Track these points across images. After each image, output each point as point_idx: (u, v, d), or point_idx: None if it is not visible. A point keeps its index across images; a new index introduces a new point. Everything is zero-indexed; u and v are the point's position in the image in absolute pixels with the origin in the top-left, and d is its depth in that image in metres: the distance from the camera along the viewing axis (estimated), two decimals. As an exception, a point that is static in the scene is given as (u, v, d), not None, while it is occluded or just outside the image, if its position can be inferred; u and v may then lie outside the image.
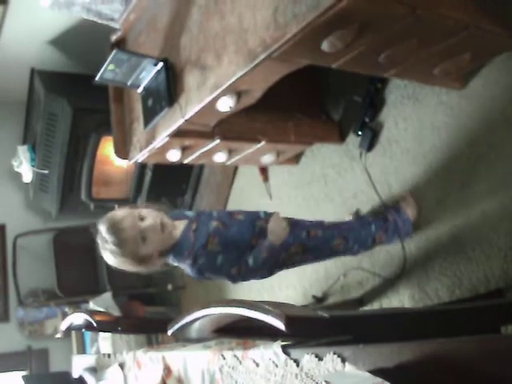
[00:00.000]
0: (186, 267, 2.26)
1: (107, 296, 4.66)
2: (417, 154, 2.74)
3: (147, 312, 4.92)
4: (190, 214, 2.38)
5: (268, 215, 2.36)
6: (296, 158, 3.45)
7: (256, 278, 2.36)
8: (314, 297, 3.32)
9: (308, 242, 2.40)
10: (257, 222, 2.32)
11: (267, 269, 2.33)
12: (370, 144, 2.94)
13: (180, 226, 2.27)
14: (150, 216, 2.18)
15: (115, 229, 2.15)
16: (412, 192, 2.76)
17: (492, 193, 2.41)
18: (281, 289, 3.70)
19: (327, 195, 3.30)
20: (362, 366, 1.14)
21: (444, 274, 2.61)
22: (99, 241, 2.21)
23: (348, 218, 3.03)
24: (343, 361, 1.18)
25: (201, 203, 4.63)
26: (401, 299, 2.81)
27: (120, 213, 2.23)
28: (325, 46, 1.88)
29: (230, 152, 3.01)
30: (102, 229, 2.20)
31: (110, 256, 2.19)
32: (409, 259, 2.77)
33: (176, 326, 1.48)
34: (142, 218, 2.17)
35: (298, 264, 2.47)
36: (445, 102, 2.60)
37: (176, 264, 2.28)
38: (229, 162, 3.17)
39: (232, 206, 4.23)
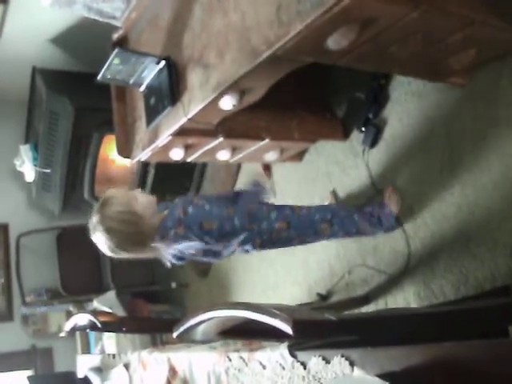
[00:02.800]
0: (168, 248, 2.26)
1: (111, 294, 4.66)
2: (420, 151, 2.72)
3: (151, 310, 4.91)
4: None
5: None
6: (300, 156, 3.43)
7: (243, 248, 2.40)
8: (318, 294, 3.31)
9: (292, 219, 2.45)
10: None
11: (253, 238, 2.37)
12: (374, 140, 2.92)
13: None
14: (143, 195, 2.28)
15: (108, 203, 2.19)
16: (394, 187, 2.80)
17: (497, 189, 2.39)
18: (285, 287, 3.69)
19: (331, 192, 3.29)
20: (369, 369, 1.13)
21: (449, 270, 2.60)
22: (91, 226, 2.22)
23: (327, 201, 3.16)
24: (351, 364, 1.17)
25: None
26: (406, 296, 2.79)
27: (111, 191, 2.29)
28: (329, 43, 1.87)
29: (234, 150, 3.00)
30: (94, 210, 2.21)
31: (102, 237, 2.19)
32: (414, 256, 2.75)
33: (181, 329, 1.47)
34: (134, 197, 2.24)
35: (284, 242, 2.50)
36: (449, 98, 2.58)
37: (162, 246, 2.26)
38: (232, 160, 3.15)
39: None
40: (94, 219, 2.17)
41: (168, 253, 2.23)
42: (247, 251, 2.43)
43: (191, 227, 2.24)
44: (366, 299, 2.99)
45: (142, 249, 2.21)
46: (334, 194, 3.21)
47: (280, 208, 2.48)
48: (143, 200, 2.24)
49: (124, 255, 2.22)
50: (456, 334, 1.23)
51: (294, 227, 2.45)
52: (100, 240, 2.20)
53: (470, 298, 2.45)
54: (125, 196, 2.23)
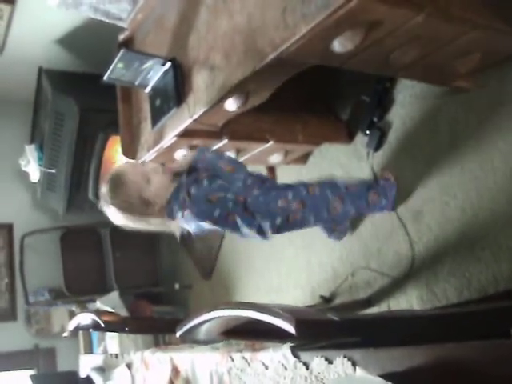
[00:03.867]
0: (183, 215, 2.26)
1: (114, 295, 4.66)
2: (425, 154, 2.72)
3: (154, 311, 4.92)
4: None
5: None
6: (304, 158, 3.43)
7: (257, 231, 2.36)
8: (321, 297, 3.31)
9: (307, 199, 2.43)
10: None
11: (270, 219, 2.33)
12: (378, 143, 2.93)
13: None
14: (157, 176, 2.29)
15: (119, 173, 2.26)
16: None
17: (501, 192, 2.39)
18: (288, 289, 3.69)
19: (335, 195, 3.29)
20: (372, 369, 1.13)
21: (452, 274, 2.60)
22: (101, 196, 2.27)
23: None
24: (354, 364, 1.18)
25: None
26: (409, 300, 2.79)
27: (124, 166, 2.39)
28: (334, 46, 1.88)
29: (238, 152, 3.00)
30: (105, 183, 2.26)
31: (113, 208, 2.23)
32: (417, 259, 2.75)
33: (184, 328, 1.47)
34: (147, 178, 2.27)
35: (301, 223, 2.47)
36: (454, 102, 2.59)
37: (174, 216, 2.29)
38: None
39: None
40: (105, 193, 2.23)
41: (179, 228, 2.31)
42: (264, 234, 2.37)
43: (198, 205, 2.24)
44: (368, 302, 2.99)
45: (154, 226, 2.31)
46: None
47: (295, 188, 2.46)
48: (156, 182, 2.26)
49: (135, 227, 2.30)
50: (458, 336, 1.23)
51: (309, 207, 2.45)
52: (110, 212, 2.26)
53: (472, 301, 2.45)
54: (137, 176, 2.25)
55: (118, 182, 2.22)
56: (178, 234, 2.36)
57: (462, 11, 1.89)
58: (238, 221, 2.27)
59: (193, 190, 2.24)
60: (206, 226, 2.26)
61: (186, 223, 2.27)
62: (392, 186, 2.76)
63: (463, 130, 2.55)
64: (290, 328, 1.09)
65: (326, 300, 3.28)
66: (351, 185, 2.60)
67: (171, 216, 2.27)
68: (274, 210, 2.34)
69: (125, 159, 2.97)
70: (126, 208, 2.22)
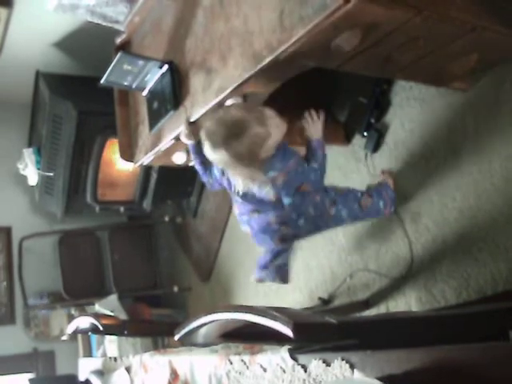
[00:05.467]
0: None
1: (113, 298, 4.66)
2: (422, 155, 2.73)
3: (153, 314, 4.91)
4: None
5: None
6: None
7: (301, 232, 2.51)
8: (320, 299, 3.31)
9: (338, 197, 2.53)
10: None
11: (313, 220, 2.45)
12: (376, 145, 2.93)
13: None
14: (272, 114, 2.18)
15: (243, 121, 2.09)
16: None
17: (499, 193, 2.39)
18: (287, 291, 3.69)
19: (333, 197, 3.29)
20: (370, 372, 1.13)
21: (451, 275, 2.60)
22: (214, 139, 2.11)
23: None
24: (351, 367, 1.18)
25: (206, 205, 4.63)
26: (407, 301, 2.79)
27: (242, 108, 2.20)
28: (331, 48, 1.87)
29: (236, 154, 2.99)
30: (226, 122, 2.11)
31: (225, 154, 2.11)
32: (415, 261, 2.76)
33: (183, 332, 1.47)
34: (267, 116, 2.15)
35: (335, 220, 2.55)
36: (451, 103, 2.59)
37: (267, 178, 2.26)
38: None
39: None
40: (217, 134, 2.10)
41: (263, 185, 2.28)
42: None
43: (290, 184, 2.29)
44: (367, 304, 2.99)
45: (244, 176, 2.27)
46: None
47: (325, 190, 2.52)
48: (274, 141, 2.16)
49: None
50: (456, 337, 1.23)
51: (341, 203, 2.53)
52: (212, 153, 2.15)
53: (471, 302, 2.45)
54: (261, 131, 2.11)
55: (241, 129, 2.08)
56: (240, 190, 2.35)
57: (460, 13, 1.89)
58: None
59: (300, 169, 2.31)
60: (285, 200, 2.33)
61: (272, 188, 2.29)
62: (389, 189, 2.77)
63: (461, 131, 2.55)
64: (287, 331, 1.09)
65: (325, 302, 3.28)
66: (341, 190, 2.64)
67: (264, 170, 2.23)
68: None
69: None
70: (233, 158, 2.10)
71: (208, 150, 2.14)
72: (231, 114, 2.11)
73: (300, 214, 2.42)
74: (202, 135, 2.14)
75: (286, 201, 2.33)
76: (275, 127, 2.14)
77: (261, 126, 2.09)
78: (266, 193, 2.31)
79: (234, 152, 2.07)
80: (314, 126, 2.49)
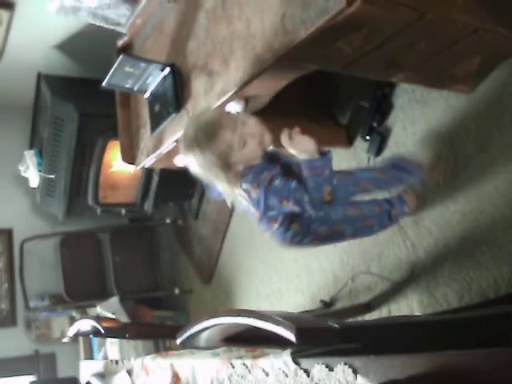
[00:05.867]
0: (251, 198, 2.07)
1: (114, 300, 4.66)
2: (425, 158, 2.72)
3: (154, 316, 4.91)
4: None
5: None
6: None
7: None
8: (321, 301, 3.30)
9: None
10: None
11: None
12: (379, 149, 2.92)
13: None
14: (253, 123, 2.02)
15: (215, 125, 1.96)
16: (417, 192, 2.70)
17: (502, 196, 2.39)
18: (289, 294, 3.69)
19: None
20: (373, 377, 1.13)
21: (453, 278, 2.59)
22: (186, 140, 2.02)
23: None
24: (354, 372, 1.17)
25: (208, 207, 4.63)
26: (409, 304, 2.79)
27: (218, 112, 2.13)
28: (333, 51, 1.87)
29: (238, 157, 2.99)
30: (198, 123, 2.01)
31: (196, 157, 2.00)
32: (417, 264, 2.75)
33: (185, 336, 1.47)
34: (243, 123, 2.00)
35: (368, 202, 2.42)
36: (454, 106, 2.58)
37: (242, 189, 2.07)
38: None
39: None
40: (191, 136, 1.99)
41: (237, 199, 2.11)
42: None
43: (268, 198, 2.03)
44: (369, 307, 2.99)
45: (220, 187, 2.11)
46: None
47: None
48: (250, 151, 2.00)
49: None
50: (460, 342, 1.23)
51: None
52: (186, 157, 2.05)
53: (473, 306, 2.45)
54: (235, 136, 1.96)
55: (212, 133, 1.96)
56: (230, 204, 2.18)
57: (462, 15, 1.89)
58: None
59: (277, 183, 2.01)
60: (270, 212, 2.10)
61: (247, 199, 2.07)
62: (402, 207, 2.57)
63: (463, 134, 2.55)
64: (290, 336, 1.09)
65: (327, 305, 3.28)
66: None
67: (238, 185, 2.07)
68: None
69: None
70: (206, 163, 1.99)
71: (183, 151, 2.04)
72: (206, 116, 2.03)
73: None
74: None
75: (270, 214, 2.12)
76: (251, 137, 1.99)
77: (231, 133, 1.95)
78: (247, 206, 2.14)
79: (206, 155, 1.96)
80: (295, 144, 2.03)
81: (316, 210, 2.02)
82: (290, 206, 2.01)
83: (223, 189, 2.11)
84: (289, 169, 2.10)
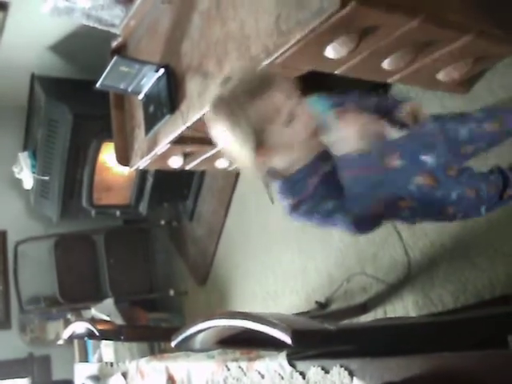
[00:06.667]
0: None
1: (109, 302, 4.64)
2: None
3: (149, 318, 4.90)
4: None
5: None
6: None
7: None
8: (317, 302, 3.30)
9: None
10: None
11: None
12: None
13: None
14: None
15: (266, 81, 1.47)
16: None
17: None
18: (284, 295, 3.68)
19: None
20: (369, 379, 1.13)
21: (448, 279, 2.59)
22: (218, 95, 1.51)
23: None
24: (350, 374, 1.17)
25: (203, 209, 4.61)
26: (405, 305, 2.79)
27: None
28: (328, 52, 1.87)
29: (233, 159, 2.99)
30: (243, 75, 1.51)
31: (224, 121, 1.50)
32: (413, 265, 2.75)
33: (179, 338, 1.46)
34: (299, 102, 1.51)
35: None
36: (448, 106, 2.58)
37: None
38: (231, 168, 3.15)
39: (234, 210, 4.21)
40: (224, 96, 1.48)
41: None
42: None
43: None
44: (364, 308, 2.98)
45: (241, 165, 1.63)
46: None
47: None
48: (297, 132, 1.49)
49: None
50: (455, 343, 1.23)
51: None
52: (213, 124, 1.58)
53: (468, 307, 2.44)
54: (285, 103, 1.45)
55: (259, 89, 1.44)
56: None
57: (457, 16, 1.89)
58: None
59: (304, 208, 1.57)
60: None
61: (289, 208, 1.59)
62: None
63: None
64: (286, 338, 1.08)
65: (322, 306, 3.27)
66: None
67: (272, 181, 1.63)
68: None
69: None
70: (234, 129, 1.48)
71: (209, 111, 1.57)
72: (255, 70, 1.64)
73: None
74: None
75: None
76: (301, 122, 1.49)
77: (284, 99, 1.46)
78: None
79: (240, 118, 1.45)
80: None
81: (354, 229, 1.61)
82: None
83: (243, 166, 1.63)
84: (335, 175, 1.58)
